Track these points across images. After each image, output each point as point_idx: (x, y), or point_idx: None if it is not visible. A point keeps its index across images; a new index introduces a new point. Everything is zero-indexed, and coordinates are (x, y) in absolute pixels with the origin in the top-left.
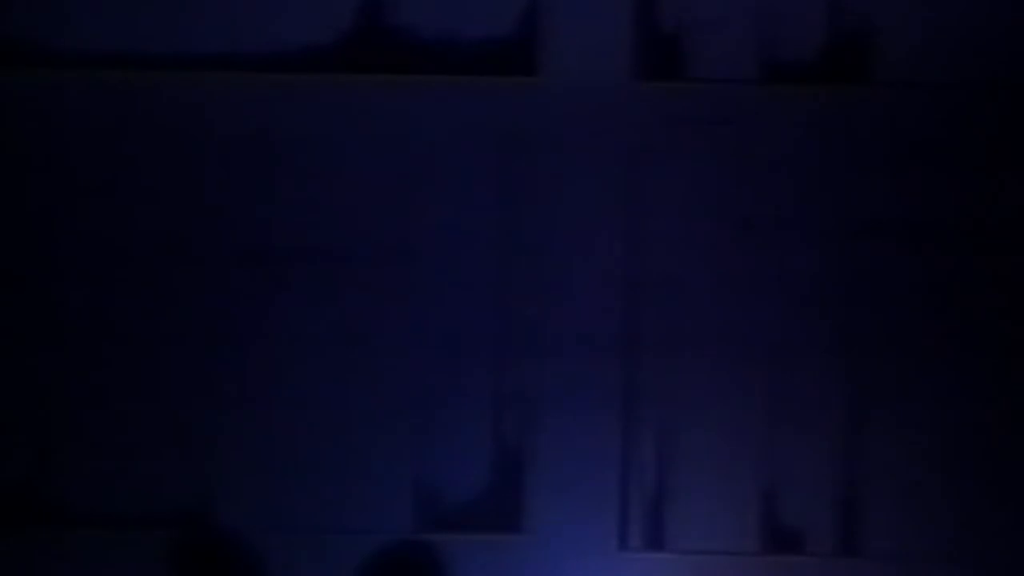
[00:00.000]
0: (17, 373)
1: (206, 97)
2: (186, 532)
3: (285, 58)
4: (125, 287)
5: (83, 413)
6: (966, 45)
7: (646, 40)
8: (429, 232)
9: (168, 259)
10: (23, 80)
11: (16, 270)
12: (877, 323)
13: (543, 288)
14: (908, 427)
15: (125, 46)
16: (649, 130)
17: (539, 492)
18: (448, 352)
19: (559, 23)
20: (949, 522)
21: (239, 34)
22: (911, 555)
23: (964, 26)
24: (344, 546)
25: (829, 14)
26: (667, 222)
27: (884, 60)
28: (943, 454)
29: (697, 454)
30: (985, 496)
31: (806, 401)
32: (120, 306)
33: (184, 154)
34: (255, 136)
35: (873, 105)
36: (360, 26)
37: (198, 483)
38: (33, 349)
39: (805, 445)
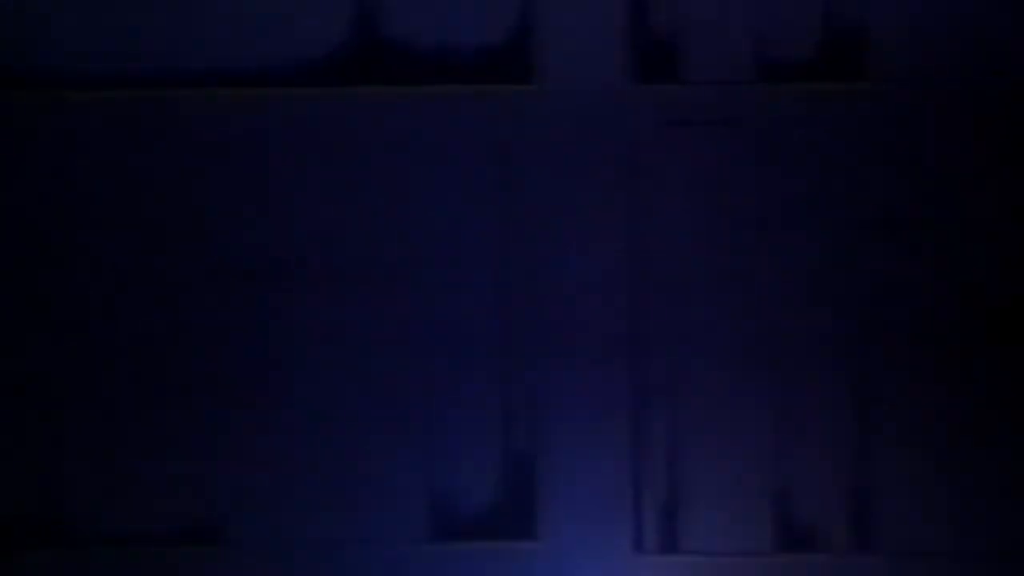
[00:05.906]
0: (19, 389)
1: (198, 112)
2: None
3: (278, 72)
4: (127, 305)
5: (87, 431)
6: (965, 44)
7: (641, 43)
8: (430, 242)
9: (166, 275)
10: (20, 102)
11: (17, 286)
12: (884, 322)
13: (547, 295)
14: (919, 425)
15: (116, 65)
16: (646, 133)
17: (552, 497)
18: (455, 360)
19: (553, 29)
20: (962, 519)
21: (231, 49)
22: (925, 551)
23: (963, 25)
24: (356, 557)
25: (825, 13)
26: (668, 225)
27: (882, 59)
28: (954, 451)
29: (709, 455)
30: (997, 493)
31: (817, 400)
32: (125, 326)
33: (176, 170)
34: (249, 150)
35: (871, 104)
36: (353, 38)
37: (206, 498)
38: (37, 366)
39: (817, 444)
